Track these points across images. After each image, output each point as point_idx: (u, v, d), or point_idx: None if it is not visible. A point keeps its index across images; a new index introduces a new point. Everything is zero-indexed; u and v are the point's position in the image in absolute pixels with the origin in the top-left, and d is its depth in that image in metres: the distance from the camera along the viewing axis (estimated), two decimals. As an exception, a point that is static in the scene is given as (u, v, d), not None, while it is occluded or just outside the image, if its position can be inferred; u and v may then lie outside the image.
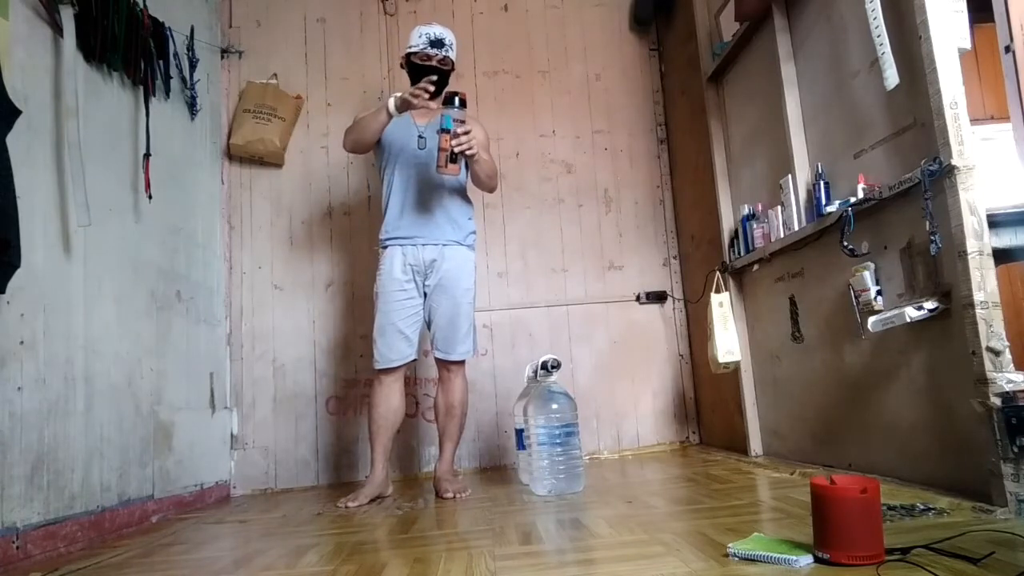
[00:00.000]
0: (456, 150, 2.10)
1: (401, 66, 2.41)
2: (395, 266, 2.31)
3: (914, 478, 1.70)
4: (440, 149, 2.10)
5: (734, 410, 2.70)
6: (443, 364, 2.36)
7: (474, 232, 2.43)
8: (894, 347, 1.75)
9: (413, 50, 2.33)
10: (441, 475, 2.32)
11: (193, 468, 2.51)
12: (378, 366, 2.29)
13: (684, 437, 3.14)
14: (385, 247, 2.37)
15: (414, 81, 2.32)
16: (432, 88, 2.14)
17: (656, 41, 3.42)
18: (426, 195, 2.34)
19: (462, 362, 2.37)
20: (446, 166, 2.10)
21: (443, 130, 2.10)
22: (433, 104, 2.23)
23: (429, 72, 2.27)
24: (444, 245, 2.33)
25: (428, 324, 2.37)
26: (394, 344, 2.28)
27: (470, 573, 1.26)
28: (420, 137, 2.33)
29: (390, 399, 2.30)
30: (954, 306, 1.52)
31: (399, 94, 2.19)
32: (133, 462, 2.12)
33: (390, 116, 2.22)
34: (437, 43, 2.31)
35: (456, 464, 2.55)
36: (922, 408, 1.67)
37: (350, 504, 2.18)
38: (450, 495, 2.20)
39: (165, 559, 1.64)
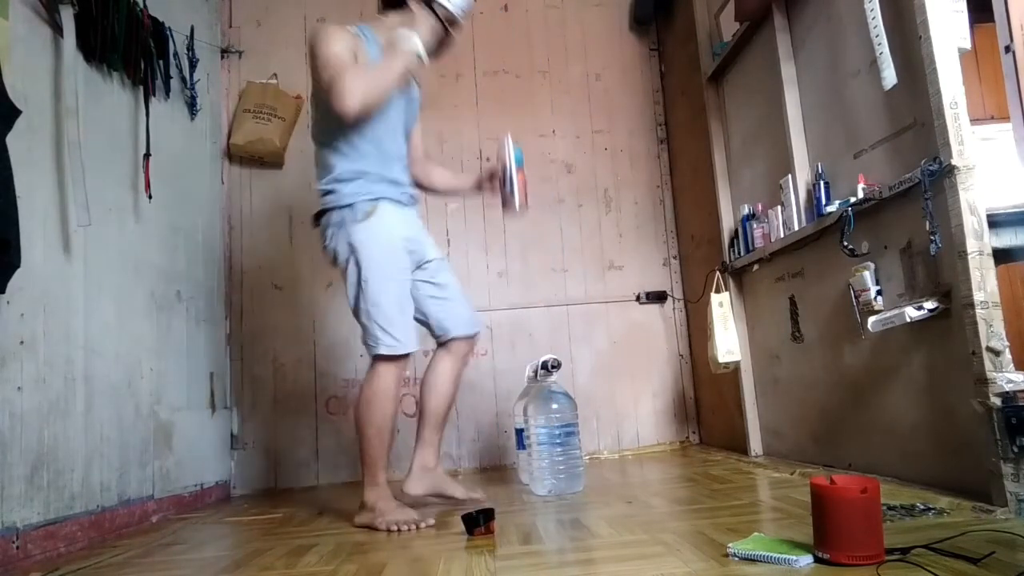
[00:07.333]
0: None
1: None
2: (396, 228, 1.89)
3: (914, 478, 1.70)
4: (516, 191, 1.94)
5: (734, 410, 2.69)
6: (467, 342, 2.06)
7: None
8: (894, 347, 1.75)
9: (452, 10, 1.88)
10: (439, 472, 2.01)
11: (193, 468, 2.51)
12: (399, 350, 1.82)
13: (684, 437, 3.14)
14: (377, 201, 1.87)
15: (434, 30, 1.89)
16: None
17: (656, 41, 3.42)
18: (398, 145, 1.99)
19: None
20: (525, 202, 1.97)
21: (520, 168, 1.96)
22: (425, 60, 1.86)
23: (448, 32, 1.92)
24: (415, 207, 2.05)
25: (430, 303, 2.03)
26: (411, 325, 1.92)
27: (470, 573, 1.26)
28: None
29: (398, 397, 1.91)
30: (954, 306, 1.52)
31: (419, 40, 1.78)
32: (133, 462, 2.12)
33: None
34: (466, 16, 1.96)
35: (456, 465, 2.48)
36: (922, 408, 1.67)
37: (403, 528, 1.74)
38: (463, 494, 1.96)
39: (165, 559, 1.65)
